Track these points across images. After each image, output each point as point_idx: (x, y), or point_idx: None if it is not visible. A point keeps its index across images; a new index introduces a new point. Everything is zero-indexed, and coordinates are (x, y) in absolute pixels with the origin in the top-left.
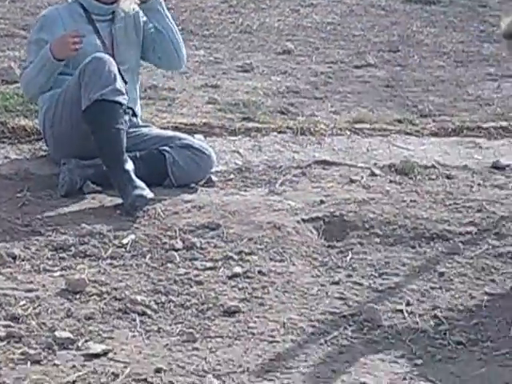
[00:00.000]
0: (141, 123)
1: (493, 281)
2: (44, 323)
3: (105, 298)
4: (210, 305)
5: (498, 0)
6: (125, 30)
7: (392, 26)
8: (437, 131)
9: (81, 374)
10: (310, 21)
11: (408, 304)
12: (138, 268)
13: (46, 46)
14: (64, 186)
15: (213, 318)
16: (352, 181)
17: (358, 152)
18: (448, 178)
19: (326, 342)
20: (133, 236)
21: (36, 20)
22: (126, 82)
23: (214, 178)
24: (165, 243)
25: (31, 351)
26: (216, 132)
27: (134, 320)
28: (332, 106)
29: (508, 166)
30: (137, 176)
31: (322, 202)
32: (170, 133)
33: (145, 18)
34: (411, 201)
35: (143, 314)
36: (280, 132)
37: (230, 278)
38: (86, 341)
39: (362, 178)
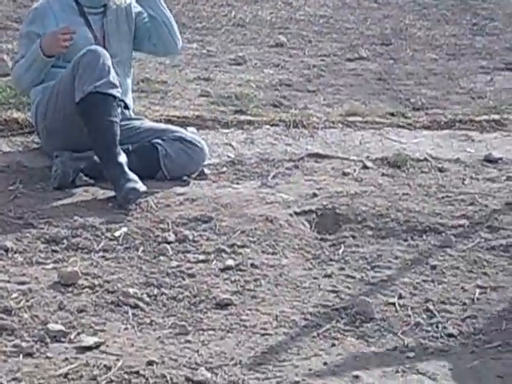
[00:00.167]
0: (133, 116)
1: (485, 274)
2: (36, 316)
3: (97, 291)
4: (203, 297)
5: None
6: (116, 23)
7: (384, 19)
8: (429, 124)
9: (73, 366)
10: (302, 14)
11: (400, 297)
12: (131, 261)
13: (36, 39)
14: (56, 179)
15: (205, 310)
16: (344, 174)
17: (350, 145)
18: (440, 171)
19: (318, 334)
20: (125, 229)
21: (28, 12)
22: (117, 75)
23: (206, 170)
24: (157, 236)
25: (23, 344)
26: (208, 125)
27: (127, 313)
28: (324, 98)
29: (500, 159)
30: (129, 169)
31: (314, 194)
32: (162, 126)
33: (137, 10)
34: (403, 194)
35: (135, 306)
36: (272, 125)
37: (222, 270)
38: (79, 333)
39: (355, 170)
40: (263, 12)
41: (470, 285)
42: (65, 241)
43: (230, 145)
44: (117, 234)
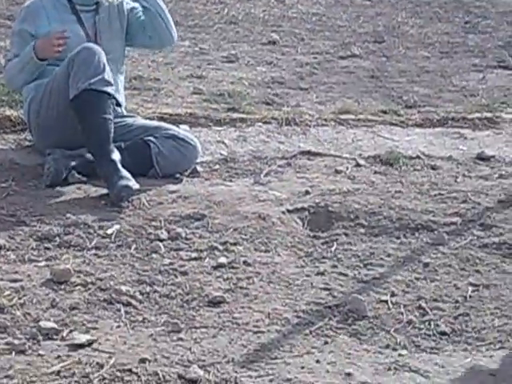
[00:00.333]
0: (125, 113)
1: (477, 271)
2: (29, 313)
3: (89, 289)
4: (195, 295)
5: None
6: (109, 20)
7: (377, 17)
8: (422, 122)
9: (65, 364)
10: (295, 11)
11: (393, 294)
12: (123, 258)
13: (29, 37)
14: (49, 176)
15: (198, 308)
16: (337, 171)
17: (343, 143)
18: (433, 168)
19: (310, 332)
20: (118, 226)
21: (20, 10)
22: None
23: (199, 168)
24: (150, 233)
25: (16, 341)
26: (201, 122)
27: (119, 310)
28: (317, 96)
29: (493, 156)
30: (122, 166)
31: (307, 192)
32: (155, 123)
33: (129, 6)
34: (396, 191)
35: (128, 304)
36: (265, 122)
37: (214, 268)
38: (71, 331)
39: (347, 168)
40: (256, 9)
41: (463, 282)
42: (57, 238)
43: (223, 142)
44: (109, 231)
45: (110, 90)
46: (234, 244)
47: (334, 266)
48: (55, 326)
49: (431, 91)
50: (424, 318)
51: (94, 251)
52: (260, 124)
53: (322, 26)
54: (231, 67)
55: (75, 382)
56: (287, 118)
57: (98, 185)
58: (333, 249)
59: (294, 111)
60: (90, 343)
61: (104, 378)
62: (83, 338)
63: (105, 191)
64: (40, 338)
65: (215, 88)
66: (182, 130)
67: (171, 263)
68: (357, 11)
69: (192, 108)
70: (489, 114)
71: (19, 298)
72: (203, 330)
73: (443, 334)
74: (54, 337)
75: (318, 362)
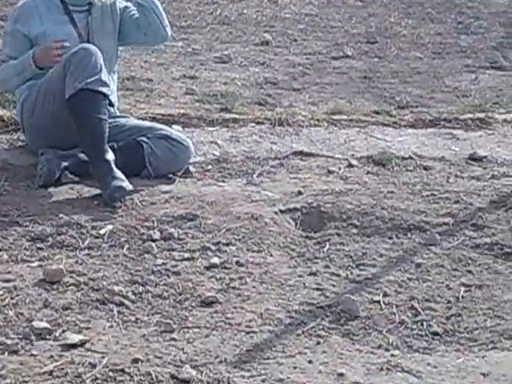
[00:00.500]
0: (118, 114)
1: (470, 272)
2: (21, 313)
3: (82, 289)
4: (188, 295)
5: None
6: (101, 20)
7: (370, 18)
8: (414, 122)
9: (58, 364)
10: (288, 12)
11: (385, 295)
12: (116, 258)
13: (21, 37)
14: (42, 177)
15: (190, 308)
16: (330, 172)
17: (335, 143)
18: (425, 169)
19: (303, 332)
20: (110, 226)
21: (13, 10)
22: None
23: (191, 168)
24: (142, 234)
25: (8, 341)
26: (194, 123)
27: (112, 310)
28: (310, 97)
29: (485, 157)
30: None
31: (299, 192)
32: (147, 123)
33: (122, 5)
34: (388, 192)
35: (121, 304)
36: (258, 123)
37: (207, 268)
38: (64, 331)
39: (340, 169)
40: (249, 10)
41: (455, 283)
42: (50, 238)
43: (216, 143)
44: (102, 231)
45: (105, 90)
46: (227, 244)
47: (327, 267)
48: (48, 326)
49: (424, 92)
50: (416, 318)
51: (86, 251)
52: (253, 124)
53: (314, 27)
54: (224, 68)
55: (68, 381)
56: (280, 118)
57: (91, 185)
58: (325, 249)
59: (287, 112)
60: (82, 343)
61: (97, 378)
62: (76, 338)
63: (97, 191)
64: (33, 337)
65: (208, 88)
66: (175, 131)
67: (164, 263)
68: (349, 12)
69: (185, 108)
70: (481, 115)
71: (12, 298)
72: (196, 330)
73: (435, 334)
74: (47, 337)
75: (310, 362)
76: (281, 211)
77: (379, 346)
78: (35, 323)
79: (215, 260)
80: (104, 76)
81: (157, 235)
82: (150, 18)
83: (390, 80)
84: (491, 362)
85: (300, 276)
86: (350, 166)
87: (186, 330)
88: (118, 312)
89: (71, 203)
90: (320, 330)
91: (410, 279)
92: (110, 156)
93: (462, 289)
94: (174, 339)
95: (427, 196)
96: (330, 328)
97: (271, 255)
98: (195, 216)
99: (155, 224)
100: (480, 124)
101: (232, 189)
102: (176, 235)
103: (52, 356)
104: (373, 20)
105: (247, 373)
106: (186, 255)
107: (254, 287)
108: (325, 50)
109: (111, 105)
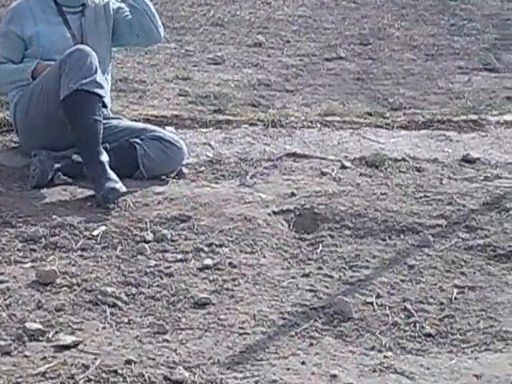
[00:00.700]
0: (111, 115)
1: (463, 273)
2: (14, 314)
3: (75, 290)
4: (181, 297)
5: None
6: (95, 21)
7: (363, 19)
8: (407, 124)
9: (51, 365)
10: (281, 14)
11: (378, 296)
12: (109, 260)
13: (15, 38)
14: (35, 178)
15: (183, 309)
16: (323, 173)
17: (328, 145)
18: (418, 170)
19: (296, 334)
20: (103, 228)
21: (7, 11)
22: None
23: (184, 170)
24: (135, 235)
25: (1, 342)
26: (187, 124)
27: (105, 312)
28: (303, 98)
29: (478, 159)
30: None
31: (292, 194)
32: (140, 125)
33: (115, 6)
34: (381, 193)
35: (113, 305)
36: (251, 124)
37: (200, 269)
38: (57, 332)
39: (333, 170)
40: (242, 12)
41: (448, 284)
42: (43, 240)
43: (209, 144)
44: (95, 232)
45: (100, 91)
46: (220, 246)
47: (320, 268)
48: (41, 327)
49: (417, 93)
50: (409, 319)
51: (79, 252)
52: (246, 126)
53: (307, 28)
54: (217, 69)
55: (61, 383)
56: (273, 119)
57: (84, 186)
58: (318, 250)
59: (280, 113)
60: (75, 344)
61: (89, 380)
62: (69, 340)
63: (91, 192)
64: (26, 339)
65: (201, 90)
66: (168, 132)
67: (157, 265)
68: (342, 13)
69: (178, 110)
70: (474, 117)
71: (5, 299)
72: (189, 331)
73: (428, 335)
74: (40, 338)
75: (303, 363)
76: (274, 213)
77: (372, 348)
78: (28, 324)
79: (208, 261)
80: (99, 77)
81: (150, 236)
82: (143, 19)
83: (383, 81)
84: (484, 364)
85: (293, 277)
86: (343, 167)
87: (179, 331)
88: (111, 313)
89: (64, 204)
90: (313, 332)
91: (402, 281)
92: (105, 157)
93: (455, 290)
94: (166, 340)
95: (420, 198)
96: (322, 329)
97: (264, 256)
98: (188, 217)
99: (148, 225)
100: (473, 126)
101: (225, 190)
102: (169, 236)
103: (45, 357)
104: (366, 22)
105: (240, 374)
106: (179, 256)
107: (247, 288)
108: (318, 51)
109: (104, 106)
